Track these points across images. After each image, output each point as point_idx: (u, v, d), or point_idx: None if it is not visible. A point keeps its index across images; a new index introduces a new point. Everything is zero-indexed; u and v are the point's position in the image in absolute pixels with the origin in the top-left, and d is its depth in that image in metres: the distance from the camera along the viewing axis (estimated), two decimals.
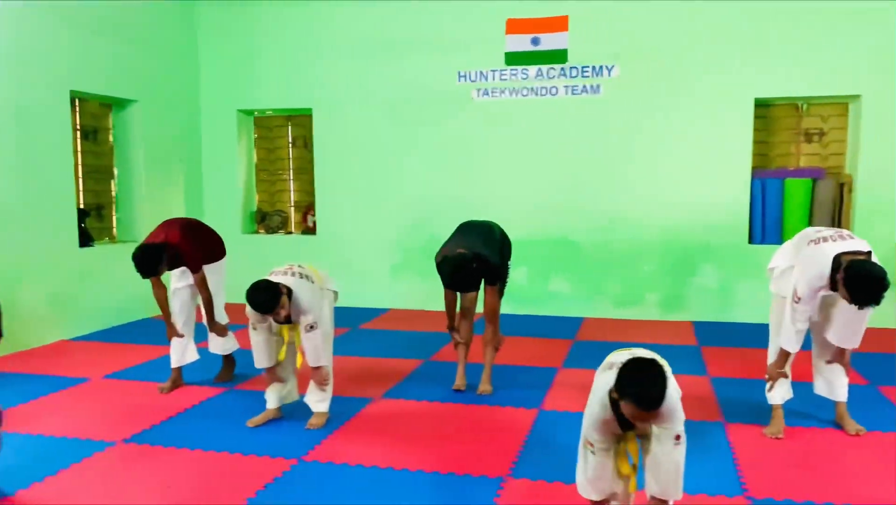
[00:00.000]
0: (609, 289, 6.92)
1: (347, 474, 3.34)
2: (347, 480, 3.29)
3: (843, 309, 3.45)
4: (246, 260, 7.66)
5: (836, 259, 3.29)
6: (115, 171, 7.11)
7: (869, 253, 3.36)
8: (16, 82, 5.64)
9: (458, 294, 4.46)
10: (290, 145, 8.04)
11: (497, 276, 4.40)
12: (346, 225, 7.48)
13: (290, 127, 8.00)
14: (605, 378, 2.40)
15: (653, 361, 2.30)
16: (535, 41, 6.77)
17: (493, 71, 6.94)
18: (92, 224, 6.82)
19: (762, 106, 6.63)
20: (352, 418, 4.10)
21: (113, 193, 7.13)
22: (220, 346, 4.78)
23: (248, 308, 3.65)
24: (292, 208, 8.11)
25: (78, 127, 6.63)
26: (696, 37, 6.47)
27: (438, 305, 7.04)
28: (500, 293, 4.55)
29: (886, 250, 6.26)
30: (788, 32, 6.28)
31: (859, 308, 3.26)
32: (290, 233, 8.01)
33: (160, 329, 4.78)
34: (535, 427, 3.93)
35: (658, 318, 6.80)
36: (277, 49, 7.49)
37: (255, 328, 3.79)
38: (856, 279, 3.17)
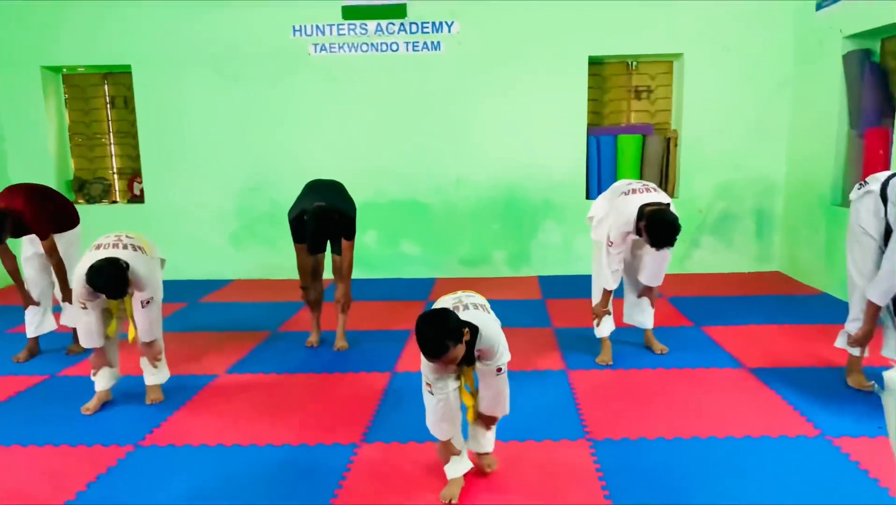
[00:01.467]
0: (458, 249, 6.99)
1: (190, 456, 3.12)
2: (191, 462, 3.07)
3: (649, 254, 4.06)
4: None
5: (641, 209, 3.82)
6: None
7: (668, 204, 3.89)
8: None
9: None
10: (109, 106, 7.30)
11: (353, 230, 4.43)
12: (178, 192, 6.95)
13: (106, 86, 7.25)
14: None
15: (440, 314, 2.46)
16: None
17: (330, 25, 6.64)
18: None
19: (595, 64, 6.89)
20: (193, 397, 3.83)
21: None
22: (72, 316, 4.27)
23: (81, 288, 3.41)
24: (115, 175, 7.41)
25: None
26: None
27: (283, 273, 6.85)
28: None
29: (709, 200, 6.82)
30: None
31: (657, 249, 3.85)
32: (115, 202, 7.33)
33: None
34: (389, 390, 3.88)
35: (506, 274, 6.98)
36: None
37: (85, 307, 3.48)
38: (654, 225, 3.73)
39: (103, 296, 3.44)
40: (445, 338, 2.40)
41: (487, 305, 2.77)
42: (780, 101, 6.60)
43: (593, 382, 3.95)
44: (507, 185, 6.84)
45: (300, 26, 6.66)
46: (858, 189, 3.59)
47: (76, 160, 7.36)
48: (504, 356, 2.67)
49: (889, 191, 3.40)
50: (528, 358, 4.35)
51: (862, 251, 3.56)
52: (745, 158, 6.71)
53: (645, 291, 4.29)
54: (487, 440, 2.88)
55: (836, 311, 5.31)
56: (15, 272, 4.34)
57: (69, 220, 4.48)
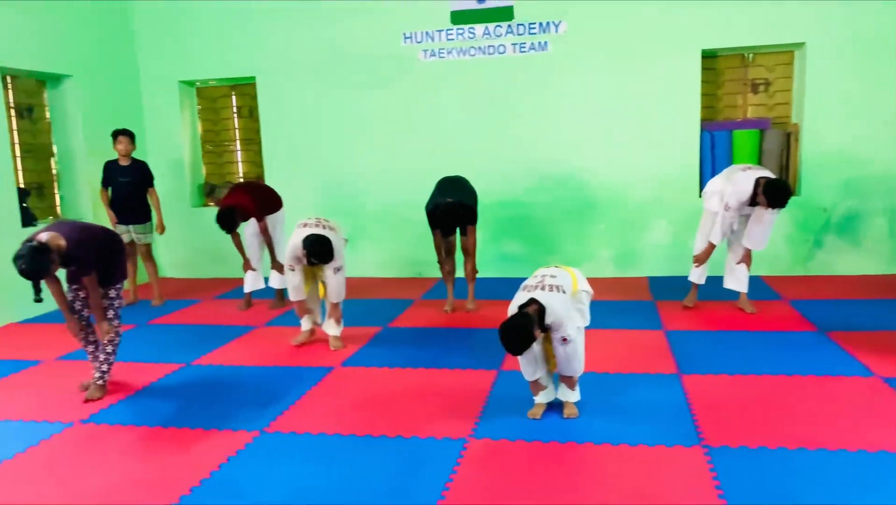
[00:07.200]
0: (562, 247, 6.94)
1: (310, 444, 3.32)
2: (310, 449, 3.27)
3: (756, 220, 4.97)
4: (198, 233, 7.51)
5: (757, 181, 4.80)
6: (55, 149, 6.83)
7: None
8: None
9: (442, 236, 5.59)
10: (236, 115, 7.81)
11: (475, 217, 5.49)
12: (297, 195, 7.26)
13: (234, 97, 7.76)
14: (516, 298, 3.36)
15: (518, 324, 3.15)
16: None
17: (439, 31, 6.81)
18: (34, 203, 6.56)
19: (709, 57, 6.67)
20: (312, 388, 4.06)
21: (54, 171, 6.85)
22: (278, 281, 5.92)
23: (291, 254, 4.59)
24: (241, 180, 7.91)
25: (12, 105, 6.33)
26: None
27: (394, 271, 7.06)
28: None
29: (834, 198, 6.43)
30: None
31: (774, 209, 4.79)
32: None
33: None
34: (496, 388, 3.95)
35: (613, 274, 6.88)
36: (216, 16, 7.21)
37: (292, 269, 4.70)
38: (772, 189, 4.73)
39: (304, 261, 4.51)
40: (527, 341, 3.14)
41: (568, 282, 3.37)
42: None
43: (708, 387, 3.84)
44: (615, 182, 6.74)
45: (410, 33, 6.86)
46: None
47: (207, 166, 7.93)
48: (568, 328, 3.27)
49: None
50: (639, 361, 4.29)
51: None
52: (874, 153, 6.29)
53: (745, 258, 5.20)
54: (571, 393, 3.56)
55: None
56: (240, 245, 5.87)
57: (276, 205, 5.92)
